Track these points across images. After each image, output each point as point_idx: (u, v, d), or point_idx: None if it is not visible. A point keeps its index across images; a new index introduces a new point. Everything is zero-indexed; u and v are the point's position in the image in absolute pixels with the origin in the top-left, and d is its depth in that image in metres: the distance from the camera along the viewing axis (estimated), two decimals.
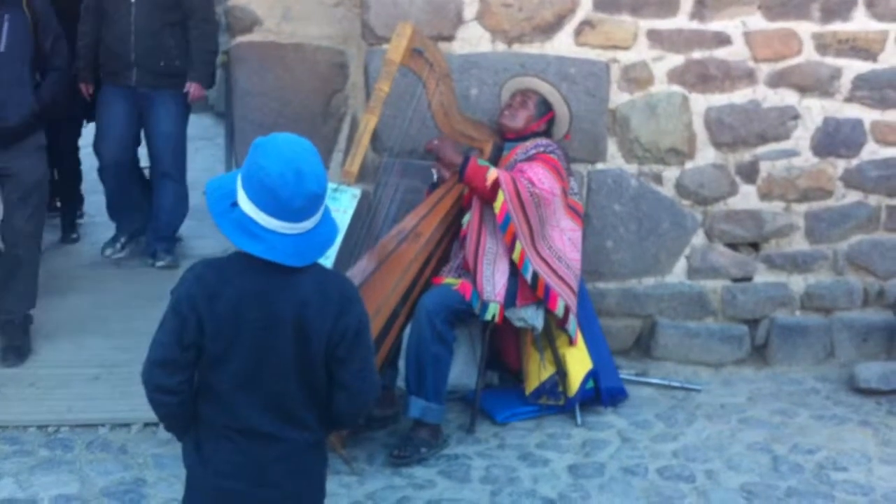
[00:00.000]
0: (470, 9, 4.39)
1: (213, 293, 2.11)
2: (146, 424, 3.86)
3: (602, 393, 4.17)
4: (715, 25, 4.51)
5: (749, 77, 4.57)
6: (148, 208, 5.56)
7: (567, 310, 3.96)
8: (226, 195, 2.11)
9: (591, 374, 4.10)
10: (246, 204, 2.08)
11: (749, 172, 4.65)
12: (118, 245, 5.58)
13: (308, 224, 2.12)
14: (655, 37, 4.49)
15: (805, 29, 4.57)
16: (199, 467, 2.22)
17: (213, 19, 5.44)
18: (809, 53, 4.59)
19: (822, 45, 4.59)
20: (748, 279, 4.73)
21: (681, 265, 4.69)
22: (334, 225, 2.23)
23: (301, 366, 2.16)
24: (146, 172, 5.76)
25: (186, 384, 2.17)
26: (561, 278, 3.95)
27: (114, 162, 5.39)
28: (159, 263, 5.44)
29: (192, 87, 5.35)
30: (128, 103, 5.30)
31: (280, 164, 2.05)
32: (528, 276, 3.85)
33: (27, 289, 4.47)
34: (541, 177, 3.87)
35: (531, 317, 3.94)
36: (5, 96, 4.22)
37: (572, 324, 4.02)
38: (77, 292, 5.08)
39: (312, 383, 2.19)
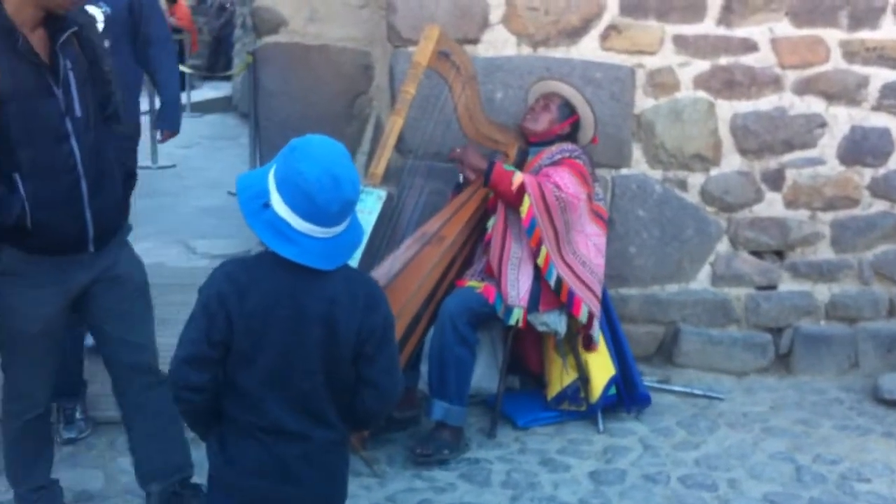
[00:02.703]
0: (496, 12, 4.39)
1: (243, 291, 2.12)
2: None
3: (626, 399, 4.16)
4: (742, 31, 4.49)
5: (775, 84, 4.54)
6: None
7: (591, 316, 3.95)
8: (258, 194, 2.11)
9: (614, 381, 4.09)
10: (280, 206, 2.08)
11: (775, 180, 4.63)
12: None
13: (339, 228, 2.13)
14: (682, 42, 4.48)
15: (832, 36, 4.55)
16: (224, 466, 2.22)
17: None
18: (837, 61, 4.57)
19: (850, 53, 4.57)
20: (772, 287, 4.71)
21: (705, 272, 4.68)
22: (360, 227, 2.25)
23: (329, 364, 2.16)
24: None
25: (213, 382, 2.17)
26: (585, 284, 3.93)
27: None
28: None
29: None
30: None
31: (318, 170, 2.06)
32: (552, 282, 3.84)
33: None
34: (566, 181, 3.86)
35: (554, 322, 3.93)
36: (97, 175, 2.86)
37: (596, 330, 4.00)
38: None
39: (339, 381, 2.19)
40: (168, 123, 4.69)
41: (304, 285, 2.13)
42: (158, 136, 4.88)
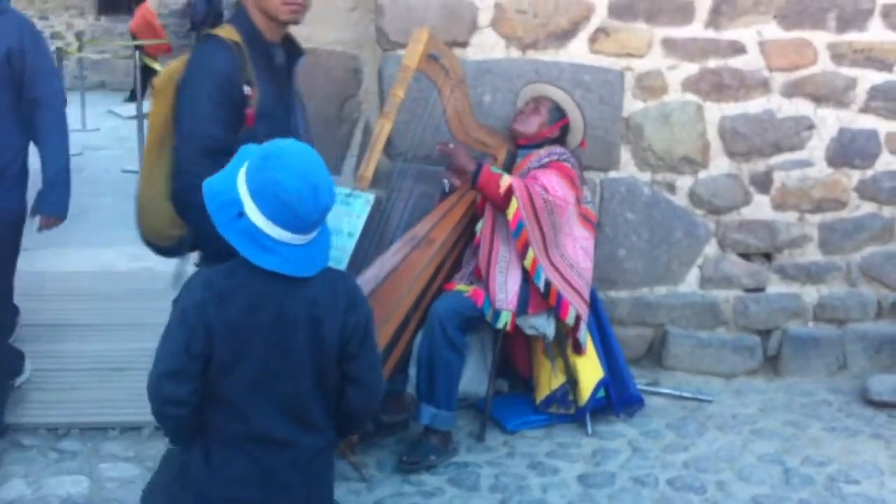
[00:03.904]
0: (485, 15, 4.38)
1: (223, 298, 2.10)
2: (157, 427, 3.84)
3: (616, 402, 4.16)
4: (730, 34, 4.49)
5: (764, 86, 4.55)
6: None
7: (578, 319, 3.94)
8: (229, 203, 2.08)
9: (602, 383, 4.09)
10: (257, 216, 2.06)
11: (763, 182, 4.63)
12: None
13: (315, 233, 2.13)
14: (670, 45, 4.48)
15: (820, 38, 4.55)
16: (209, 478, 2.18)
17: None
18: (825, 63, 4.57)
19: (838, 55, 4.57)
20: (761, 289, 4.71)
21: (693, 274, 4.68)
22: (328, 228, 2.21)
23: (315, 364, 2.15)
24: None
25: (196, 394, 2.13)
26: (573, 287, 3.93)
27: None
28: None
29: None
30: None
31: (296, 180, 2.05)
32: (541, 285, 3.84)
33: None
34: (554, 185, 3.86)
35: (542, 325, 3.93)
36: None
37: (583, 333, 4.00)
38: (82, 294, 5.07)
39: (325, 382, 2.19)
40: (52, 206, 3.76)
41: (284, 288, 2.12)
42: (37, 224, 3.83)
